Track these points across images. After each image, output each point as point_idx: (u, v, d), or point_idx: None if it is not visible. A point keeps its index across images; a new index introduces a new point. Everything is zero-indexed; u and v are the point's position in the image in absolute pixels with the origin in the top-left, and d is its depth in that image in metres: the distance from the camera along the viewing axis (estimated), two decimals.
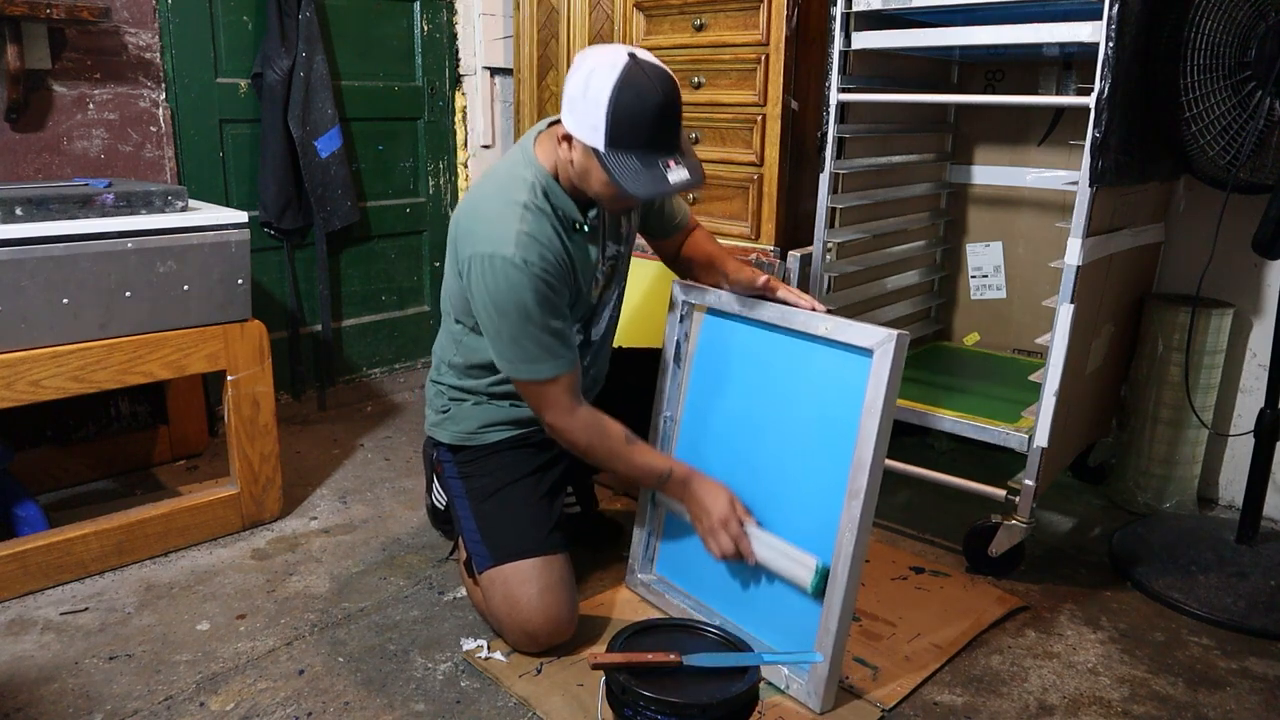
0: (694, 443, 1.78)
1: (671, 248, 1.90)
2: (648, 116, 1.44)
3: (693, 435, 1.78)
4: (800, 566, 1.51)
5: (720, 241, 1.93)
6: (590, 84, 1.45)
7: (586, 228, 1.64)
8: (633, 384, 1.93)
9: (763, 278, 1.66)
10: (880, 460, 1.46)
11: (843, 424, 1.50)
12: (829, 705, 1.50)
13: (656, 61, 1.49)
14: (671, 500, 1.72)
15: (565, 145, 1.54)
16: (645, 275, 2.38)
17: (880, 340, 1.45)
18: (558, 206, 1.60)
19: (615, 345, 2.04)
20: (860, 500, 1.44)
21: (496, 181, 1.63)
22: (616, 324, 1.87)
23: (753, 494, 1.65)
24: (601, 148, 1.46)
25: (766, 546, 1.57)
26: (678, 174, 1.48)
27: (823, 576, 1.48)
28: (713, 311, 1.76)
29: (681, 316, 1.79)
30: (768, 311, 1.64)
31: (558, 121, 1.57)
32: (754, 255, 2.25)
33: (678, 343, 1.79)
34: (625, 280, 1.84)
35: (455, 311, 1.74)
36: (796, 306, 1.61)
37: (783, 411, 1.62)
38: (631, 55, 1.46)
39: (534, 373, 1.58)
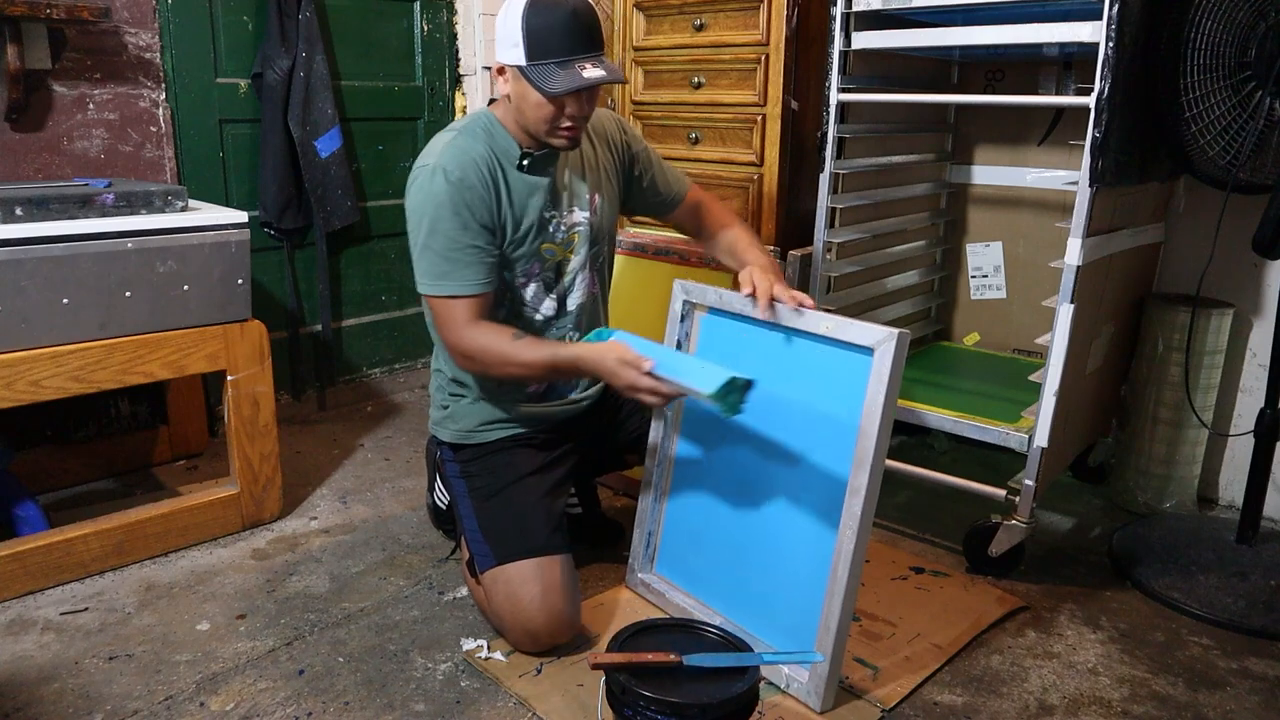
0: (695, 441, 1.78)
1: (686, 222, 1.93)
2: (559, 24, 1.53)
3: (693, 434, 1.78)
4: (713, 376, 1.48)
5: None
6: (508, 11, 1.56)
7: (529, 166, 1.68)
8: None
9: (765, 309, 1.62)
10: (881, 459, 1.46)
11: (844, 422, 1.50)
12: (829, 704, 1.50)
13: None
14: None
15: (501, 80, 1.62)
16: (648, 276, 2.38)
17: (881, 339, 1.45)
18: (496, 140, 1.67)
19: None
20: (861, 498, 1.45)
21: (448, 125, 1.73)
22: (601, 306, 1.87)
23: (754, 490, 1.65)
24: (524, 62, 1.54)
25: (682, 372, 1.53)
26: (594, 71, 1.54)
27: (729, 385, 1.45)
28: (714, 311, 1.76)
29: (682, 316, 1.79)
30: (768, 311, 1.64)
31: None
32: None
33: (679, 341, 1.79)
34: (604, 264, 1.85)
35: None
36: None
37: (784, 410, 1.62)
38: None
39: (436, 287, 1.63)
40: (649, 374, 1.52)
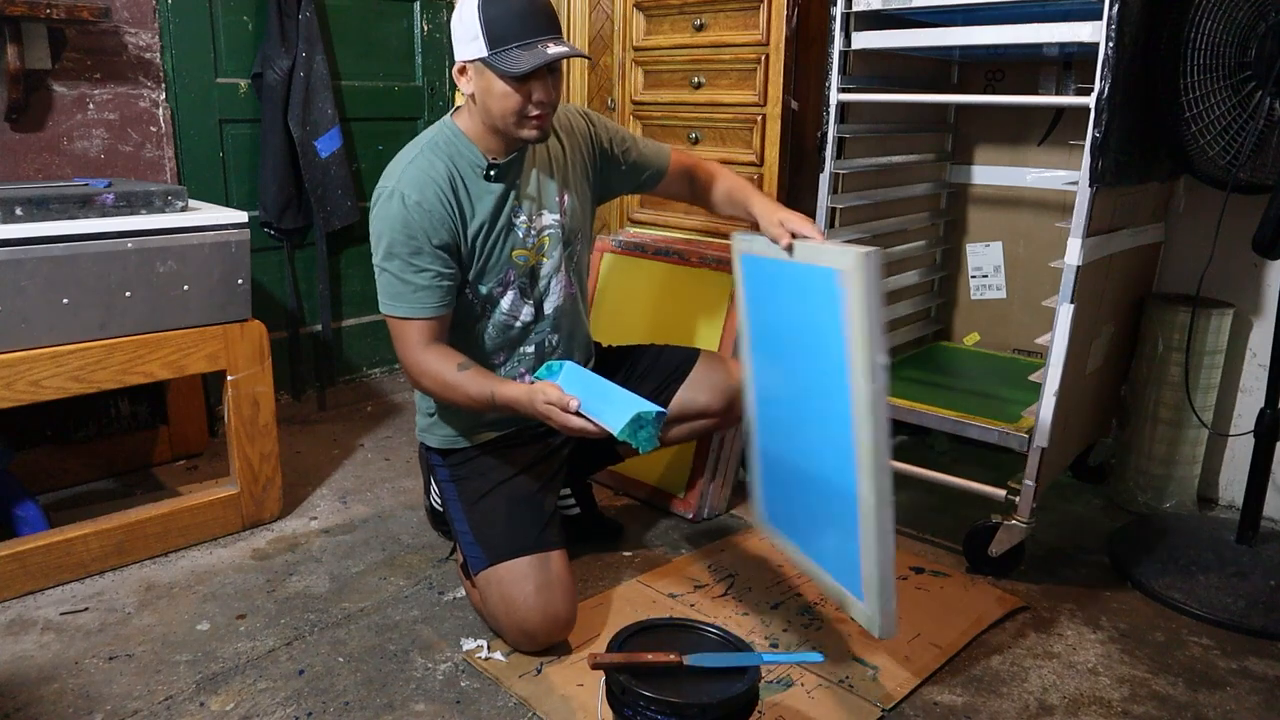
0: (758, 385, 1.74)
1: (678, 188, 1.93)
2: (517, 7, 1.54)
3: (755, 379, 1.74)
4: (620, 414, 1.46)
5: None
6: (462, 8, 1.57)
7: (494, 175, 1.67)
8: (615, 380, 1.93)
9: (785, 233, 1.61)
10: (881, 391, 1.39)
11: (835, 350, 1.45)
12: (888, 631, 1.44)
13: None
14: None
15: (464, 80, 1.61)
16: (647, 276, 2.38)
17: (850, 263, 1.39)
18: (459, 150, 1.66)
19: (607, 344, 2.05)
20: (869, 432, 1.39)
21: (414, 139, 1.72)
22: (580, 306, 1.86)
23: (801, 438, 1.61)
24: (486, 52, 1.54)
25: (601, 411, 1.51)
26: (558, 48, 1.54)
27: (635, 423, 1.44)
28: (748, 253, 1.73)
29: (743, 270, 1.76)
30: (768, 246, 1.62)
31: None
32: None
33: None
34: (579, 256, 1.84)
35: None
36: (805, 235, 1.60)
37: (800, 348, 1.59)
38: None
39: (391, 308, 1.64)
40: (577, 413, 1.50)
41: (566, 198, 1.78)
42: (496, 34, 1.53)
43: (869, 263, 1.38)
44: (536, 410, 1.54)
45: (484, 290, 1.71)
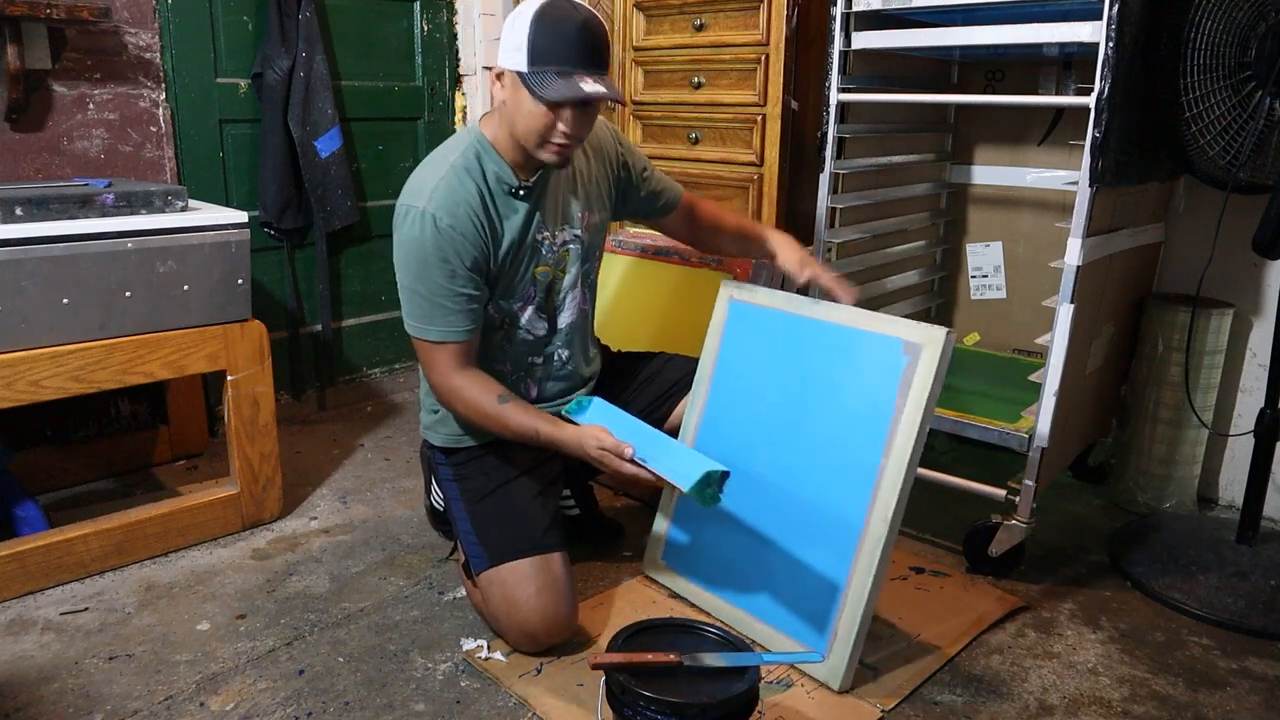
0: (717, 428, 1.77)
1: (673, 225, 1.92)
2: (566, 34, 1.49)
3: (716, 421, 1.78)
4: (689, 469, 1.48)
5: None
6: (518, 15, 1.53)
7: (522, 194, 1.65)
8: (621, 387, 1.94)
9: (807, 271, 1.69)
10: (917, 455, 1.53)
11: (879, 416, 1.53)
12: (848, 684, 1.53)
13: (584, 2, 1.54)
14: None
15: (498, 85, 1.58)
16: (648, 276, 2.38)
17: (931, 337, 1.50)
18: (488, 167, 1.63)
19: (616, 350, 2.05)
20: (896, 490, 1.50)
21: (438, 149, 1.69)
22: (589, 317, 1.87)
23: (775, 481, 1.66)
24: (525, 68, 1.50)
25: (661, 460, 1.53)
26: (594, 87, 1.50)
27: (705, 480, 1.46)
28: (747, 302, 1.77)
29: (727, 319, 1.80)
30: (808, 307, 1.67)
31: None
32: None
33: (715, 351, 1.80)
34: (592, 275, 1.85)
35: None
36: (839, 300, 1.66)
37: (811, 399, 1.63)
38: None
39: (421, 331, 1.62)
40: (631, 460, 1.52)
41: (589, 215, 1.77)
42: (539, 52, 1.49)
43: (947, 341, 1.48)
44: (587, 455, 1.56)
45: (505, 306, 1.71)
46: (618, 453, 1.52)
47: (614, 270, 2.49)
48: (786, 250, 1.81)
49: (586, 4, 1.55)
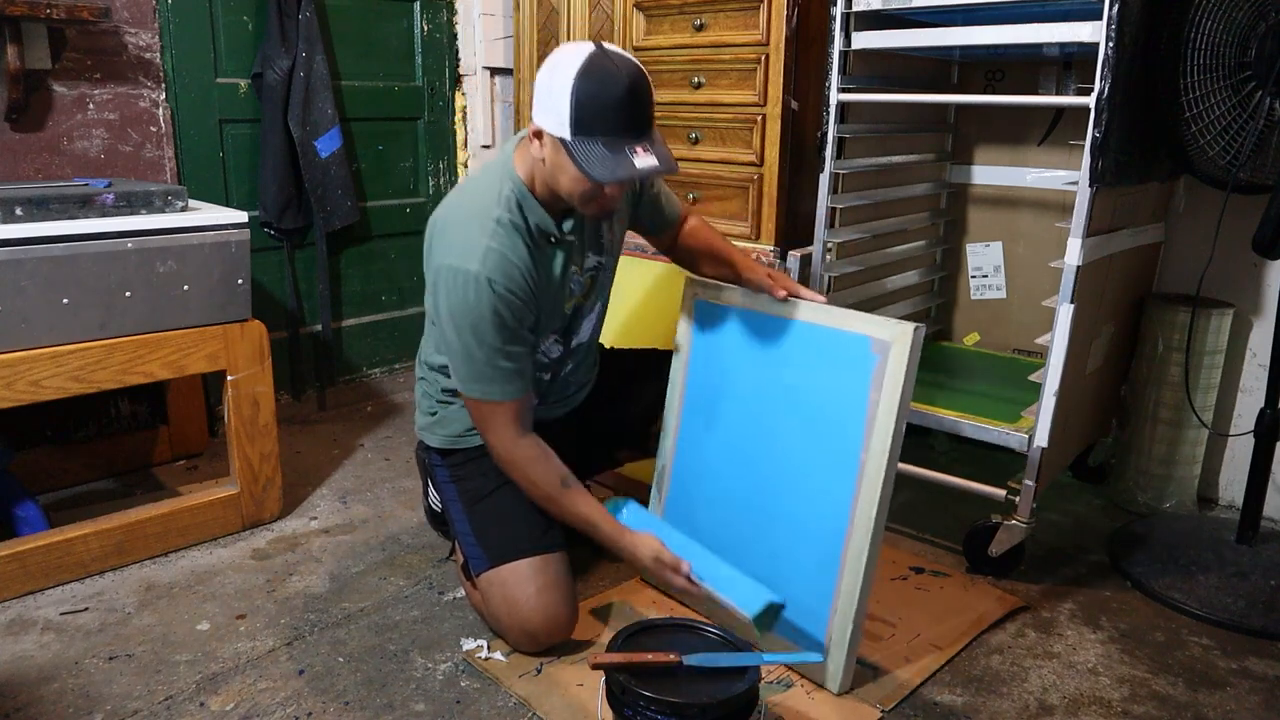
0: (695, 436, 1.78)
1: (666, 241, 1.90)
2: (612, 102, 1.41)
3: (693, 428, 1.78)
4: (751, 596, 1.51)
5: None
6: (555, 74, 1.44)
7: (562, 240, 1.62)
8: (617, 386, 1.93)
9: (780, 290, 1.65)
10: (896, 452, 1.49)
11: (853, 416, 1.52)
12: (847, 685, 1.53)
13: (625, 53, 1.47)
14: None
15: (536, 142, 1.51)
16: (646, 276, 2.38)
17: (897, 334, 1.47)
18: (531, 219, 1.58)
19: (609, 346, 2.05)
20: (877, 491, 1.47)
21: (473, 191, 1.62)
22: (600, 329, 1.87)
23: (755, 486, 1.66)
24: (568, 136, 1.43)
25: (719, 582, 1.56)
26: (645, 160, 1.43)
27: (767, 609, 1.49)
28: (713, 301, 1.76)
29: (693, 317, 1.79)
30: (775, 306, 1.65)
31: None
32: (754, 255, 2.25)
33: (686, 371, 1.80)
34: (609, 288, 1.84)
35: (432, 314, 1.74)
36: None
37: (786, 402, 1.62)
38: (599, 45, 1.45)
39: (482, 393, 1.57)
40: (687, 577, 1.53)
41: (610, 234, 1.76)
42: (584, 120, 1.41)
43: (916, 336, 1.47)
44: (643, 564, 1.57)
45: (534, 339, 1.69)
46: (674, 568, 1.54)
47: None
48: (749, 268, 1.74)
49: (624, 54, 1.46)
